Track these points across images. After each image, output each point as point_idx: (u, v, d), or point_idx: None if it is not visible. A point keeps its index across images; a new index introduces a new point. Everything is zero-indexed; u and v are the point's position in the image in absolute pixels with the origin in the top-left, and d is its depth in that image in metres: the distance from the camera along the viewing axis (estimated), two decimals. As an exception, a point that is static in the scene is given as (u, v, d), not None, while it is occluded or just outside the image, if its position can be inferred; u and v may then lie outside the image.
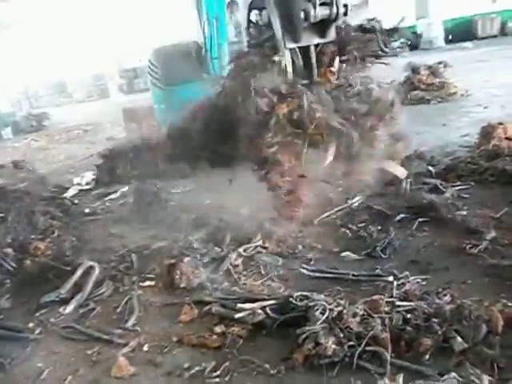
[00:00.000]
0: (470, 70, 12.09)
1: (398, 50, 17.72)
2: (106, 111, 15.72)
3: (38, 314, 3.26)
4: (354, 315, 2.47)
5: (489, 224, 3.46)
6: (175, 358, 2.58)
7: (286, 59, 3.63)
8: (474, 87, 9.39)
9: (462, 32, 21.51)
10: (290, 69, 3.66)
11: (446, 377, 1.85)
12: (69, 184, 6.70)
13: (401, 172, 4.39)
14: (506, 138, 5.01)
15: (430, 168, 4.70)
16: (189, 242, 3.75)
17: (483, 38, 20.73)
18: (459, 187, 4.30)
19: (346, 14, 3.74)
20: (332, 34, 3.79)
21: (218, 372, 2.39)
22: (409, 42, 22.78)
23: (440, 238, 3.46)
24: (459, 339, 2.26)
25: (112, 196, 6.01)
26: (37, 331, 3.08)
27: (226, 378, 2.36)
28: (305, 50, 3.80)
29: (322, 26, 3.73)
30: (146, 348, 2.72)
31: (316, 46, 3.83)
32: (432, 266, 3.07)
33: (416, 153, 5.31)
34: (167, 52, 7.29)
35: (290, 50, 3.68)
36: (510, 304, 2.46)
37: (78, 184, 6.87)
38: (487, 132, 5.13)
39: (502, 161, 4.59)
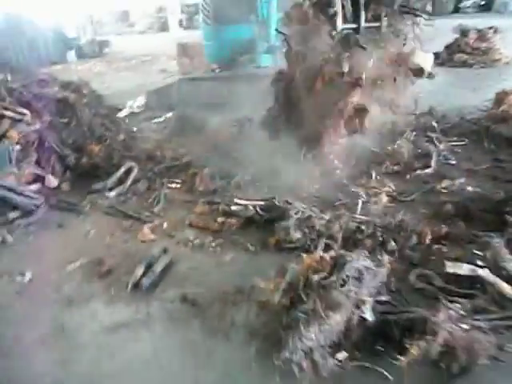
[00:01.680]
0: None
1: (468, 9, 17.10)
2: (164, 44, 16.40)
3: (89, 197, 4.23)
4: (320, 219, 3.24)
5: (462, 173, 4.03)
6: (184, 234, 3.48)
7: (337, 4, 3.81)
8: (522, 56, 9.30)
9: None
10: (340, 13, 3.82)
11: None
12: (122, 106, 7.62)
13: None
14: (517, 106, 5.35)
15: (435, 124, 5.17)
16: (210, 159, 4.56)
17: None
18: (455, 143, 4.79)
19: None
20: None
21: (213, 244, 3.27)
22: (482, 3, 21.66)
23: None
24: (393, 243, 2.98)
25: (157, 119, 6.87)
26: (87, 207, 4.06)
27: (218, 249, 3.23)
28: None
29: None
30: (165, 226, 3.63)
31: None
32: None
33: (431, 109, 5.78)
34: (220, -10, 7.81)
35: None
36: (442, 226, 3.12)
37: (130, 107, 7.80)
38: (500, 98, 5.48)
39: (504, 125, 4.99)
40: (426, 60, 4.36)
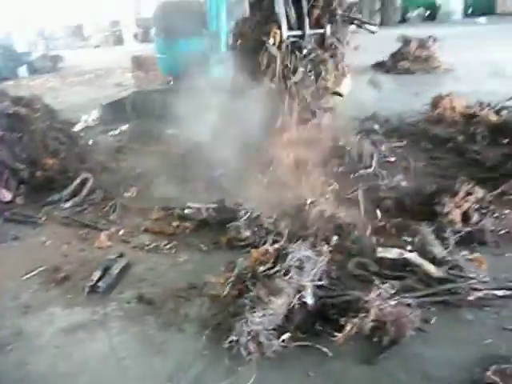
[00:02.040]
0: (469, 45, 12.55)
1: (413, 20, 18.09)
2: (119, 58, 16.38)
3: (44, 209, 4.28)
4: (268, 218, 3.45)
5: (401, 171, 4.37)
6: (140, 239, 3.62)
7: (280, 11, 3.98)
8: (461, 63, 9.93)
9: (482, 6, 21.27)
10: (284, 20, 4.00)
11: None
12: (76, 120, 7.63)
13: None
14: (451, 108, 5.80)
15: (376, 127, 5.53)
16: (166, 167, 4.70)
17: (503, 14, 20.61)
18: (395, 144, 5.15)
19: None
20: None
21: (168, 247, 3.42)
22: (427, 13, 22.82)
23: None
24: (335, 237, 3.23)
25: (112, 132, 6.94)
26: (43, 219, 4.12)
27: (173, 251, 3.39)
28: (297, 3, 4.11)
29: None
30: (121, 233, 3.74)
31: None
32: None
33: (374, 114, 6.16)
34: (172, 6, 8.01)
35: (284, 1, 4.03)
36: (380, 221, 3.40)
37: (85, 121, 7.83)
38: (436, 102, 5.93)
39: (439, 126, 5.42)
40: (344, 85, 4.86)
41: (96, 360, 2.41)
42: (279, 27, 4.01)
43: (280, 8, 3.99)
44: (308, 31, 4.11)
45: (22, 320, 2.79)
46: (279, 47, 4.08)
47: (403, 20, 23.00)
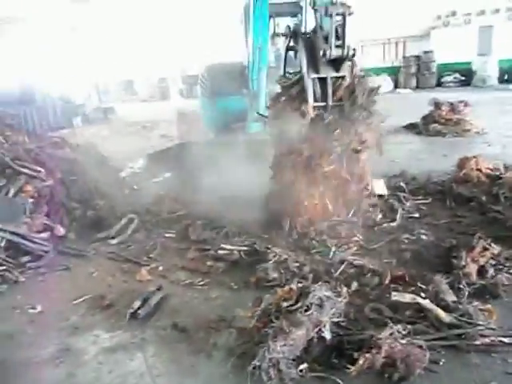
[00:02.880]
0: (500, 111, 12.84)
1: (449, 84, 18.64)
2: (165, 112, 17.54)
3: (93, 244, 4.74)
4: (295, 261, 3.76)
5: (423, 226, 4.61)
6: (177, 275, 3.97)
7: (309, 87, 4.52)
8: (492, 127, 10.20)
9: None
10: (311, 94, 4.51)
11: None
12: (124, 166, 8.31)
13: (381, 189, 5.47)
14: (477, 169, 6.04)
15: (403, 184, 5.82)
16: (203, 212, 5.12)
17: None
18: (421, 201, 5.41)
19: (354, 55, 4.57)
20: (344, 70, 4.62)
21: (201, 283, 3.76)
22: (462, 78, 23.36)
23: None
24: (355, 283, 3.48)
25: (156, 179, 7.51)
26: (92, 253, 4.57)
27: (206, 287, 3.72)
28: (323, 81, 4.61)
29: (336, 63, 4.57)
30: (160, 268, 4.12)
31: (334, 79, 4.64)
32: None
33: (402, 172, 6.47)
34: (216, 68, 8.81)
35: (312, 79, 4.56)
36: (399, 271, 3.63)
37: (131, 168, 8.51)
38: (463, 163, 6.17)
39: (464, 186, 5.65)
40: (380, 186, 5.34)
41: (133, 376, 2.72)
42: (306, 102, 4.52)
43: (308, 85, 4.52)
44: (331, 103, 4.58)
45: (71, 339, 3.15)
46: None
47: (439, 84, 23.59)
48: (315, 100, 4.58)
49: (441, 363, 2.59)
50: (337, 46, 4.43)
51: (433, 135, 10.04)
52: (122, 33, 28.77)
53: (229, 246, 4.08)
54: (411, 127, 10.89)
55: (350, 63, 4.65)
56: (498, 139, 9.22)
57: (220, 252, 4.07)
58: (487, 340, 2.67)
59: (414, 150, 8.87)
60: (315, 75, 4.54)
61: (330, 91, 4.55)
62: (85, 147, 6.87)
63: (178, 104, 20.97)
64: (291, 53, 5.04)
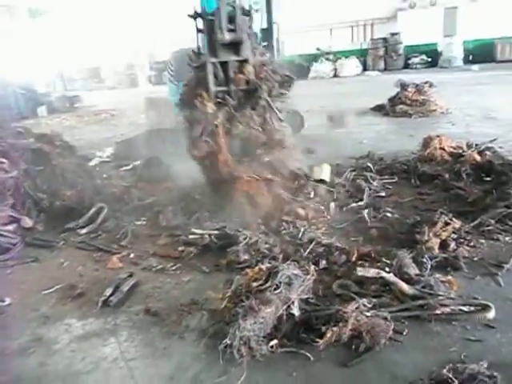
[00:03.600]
0: (464, 91, 13.20)
1: (416, 65, 19.03)
2: (133, 99, 17.23)
3: (62, 235, 4.68)
4: (265, 243, 3.82)
5: (389, 205, 4.74)
6: (149, 262, 3.98)
7: (209, 72, 4.46)
8: (455, 107, 10.48)
9: (482, 54, 22.23)
10: (211, 79, 4.47)
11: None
12: (92, 156, 8.18)
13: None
14: (441, 148, 6.22)
15: (370, 165, 5.95)
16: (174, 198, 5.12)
17: (501, 62, 21.47)
18: (386, 180, 5.54)
19: (249, 37, 4.52)
20: (244, 54, 4.47)
21: (173, 268, 3.78)
22: (429, 59, 23.80)
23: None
24: (324, 261, 3.57)
25: (126, 167, 7.43)
26: (61, 243, 4.52)
27: (178, 272, 3.75)
28: (224, 66, 4.52)
29: (237, 47, 4.46)
30: (131, 256, 4.12)
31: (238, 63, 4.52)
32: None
33: (369, 153, 6.61)
34: (182, 54, 8.69)
35: (213, 64, 4.45)
36: (366, 248, 3.74)
37: (100, 157, 8.39)
38: (427, 142, 6.35)
39: (430, 165, 5.82)
40: (321, 172, 5.39)
41: (107, 361, 2.74)
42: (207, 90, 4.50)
43: (209, 70, 4.47)
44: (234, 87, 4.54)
45: (42, 329, 3.13)
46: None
47: (406, 66, 23.98)
48: (219, 85, 4.55)
49: (404, 333, 2.71)
50: (230, 30, 4.40)
51: (399, 116, 10.25)
52: (88, 18, 27.98)
53: (199, 231, 4.10)
54: (379, 109, 11.08)
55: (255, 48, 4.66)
56: (461, 118, 9.50)
57: (191, 237, 4.09)
58: (447, 309, 2.81)
59: (381, 131, 9.04)
60: (214, 59, 4.47)
61: (231, 76, 4.51)
62: (50, 137, 6.70)
63: (146, 91, 20.65)
64: None
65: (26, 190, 5.23)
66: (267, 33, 8.18)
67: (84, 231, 4.69)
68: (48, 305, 3.43)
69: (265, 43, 7.98)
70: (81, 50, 28.98)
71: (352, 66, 24.24)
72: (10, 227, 4.70)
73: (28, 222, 4.89)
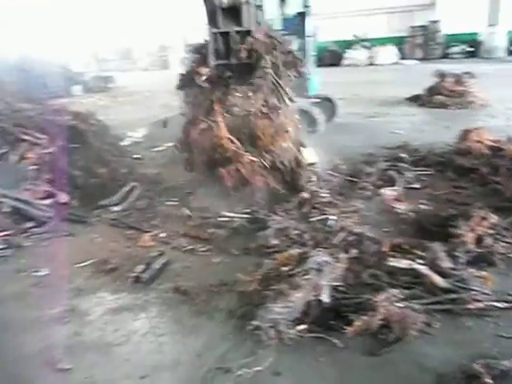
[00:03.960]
0: (506, 83, 12.70)
1: (455, 55, 18.43)
2: (165, 81, 17.32)
3: (95, 212, 4.79)
4: (295, 229, 3.82)
5: (423, 197, 4.65)
6: (179, 242, 4.03)
7: (209, 43, 4.29)
8: (497, 100, 10.09)
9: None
10: (211, 51, 4.26)
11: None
12: (125, 136, 8.30)
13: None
14: (479, 141, 6.03)
15: (404, 155, 5.82)
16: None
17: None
18: (421, 172, 5.43)
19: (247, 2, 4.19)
20: (245, 24, 4.21)
21: (203, 249, 3.83)
22: (469, 49, 22.96)
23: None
24: (354, 250, 3.54)
25: (157, 148, 7.52)
26: (94, 220, 4.63)
27: (207, 253, 3.79)
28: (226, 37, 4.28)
29: (236, 16, 4.20)
30: (162, 235, 4.18)
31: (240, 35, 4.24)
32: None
33: (404, 144, 6.48)
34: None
35: (214, 34, 4.24)
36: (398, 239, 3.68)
37: (132, 137, 8.51)
38: (465, 134, 6.16)
39: (467, 159, 5.65)
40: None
41: (137, 335, 2.81)
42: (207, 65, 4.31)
43: (210, 41, 4.28)
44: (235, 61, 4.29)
45: (76, 300, 3.24)
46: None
47: (445, 55, 23.22)
48: (219, 58, 4.32)
49: (435, 326, 2.67)
50: None
51: (436, 107, 9.97)
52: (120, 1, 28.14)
53: (230, 214, 4.13)
54: (414, 99, 10.80)
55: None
56: (502, 112, 9.17)
57: (221, 219, 4.11)
58: (481, 304, 2.75)
59: (416, 121, 8.83)
60: (215, 30, 4.23)
61: (233, 48, 4.25)
62: (86, 115, 6.83)
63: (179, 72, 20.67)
64: None
65: (62, 167, 5.36)
66: (301, 17, 8.05)
67: (116, 209, 4.79)
68: (82, 278, 3.54)
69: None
70: (115, 30, 29.23)
71: (388, 53, 23.62)
72: (47, 202, 4.84)
73: (63, 198, 5.02)
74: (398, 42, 24.54)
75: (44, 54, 17.34)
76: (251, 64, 4.29)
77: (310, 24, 8.01)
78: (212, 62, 4.30)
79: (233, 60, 4.29)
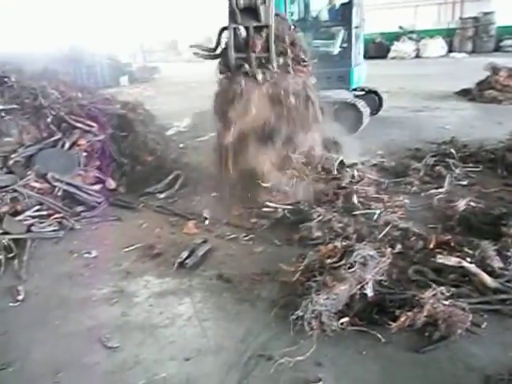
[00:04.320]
0: None
1: (508, 48, 17.61)
2: (210, 72, 17.49)
3: (142, 198, 4.94)
4: (339, 222, 3.79)
5: (472, 194, 4.50)
6: (222, 230, 4.11)
7: (230, 38, 4.46)
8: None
9: None
10: (230, 46, 4.46)
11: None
12: (170, 125, 8.47)
13: None
14: (533, 139, 5.75)
15: (453, 151, 5.63)
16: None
17: None
18: (470, 169, 5.24)
19: (264, 2, 4.34)
20: (263, 20, 4.34)
21: (246, 238, 3.87)
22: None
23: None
24: (399, 245, 3.48)
25: (201, 138, 7.62)
26: (140, 206, 4.77)
27: (250, 242, 3.83)
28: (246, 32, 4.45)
29: (253, 13, 4.36)
30: (206, 223, 4.26)
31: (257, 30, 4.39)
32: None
33: (452, 139, 6.27)
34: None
35: (234, 29, 4.44)
36: (445, 236, 3.58)
37: (177, 126, 8.67)
38: (517, 131, 5.89)
39: (518, 155, 5.41)
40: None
41: (182, 319, 2.89)
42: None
43: (230, 36, 4.47)
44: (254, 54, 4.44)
45: (124, 282, 3.36)
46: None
47: (497, 49, 22.18)
48: (239, 51, 4.49)
49: (483, 326, 2.60)
50: None
51: (488, 102, 9.56)
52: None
53: (273, 204, 4.15)
54: (464, 93, 10.41)
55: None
56: (559, 108, 8.71)
57: (264, 209, 4.14)
58: (533, 307, 2.65)
59: (466, 116, 8.52)
60: (234, 25, 4.43)
61: (251, 42, 4.41)
62: (134, 105, 7.02)
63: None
64: None
65: (111, 154, 5.55)
66: (347, 8, 7.88)
67: (162, 196, 4.91)
68: (129, 261, 3.67)
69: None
70: (160, 22, 29.72)
71: (436, 46, 22.81)
72: (96, 187, 5.03)
73: (112, 184, 5.21)
74: (448, 34, 23.64)
75: (94, 46, 17.87)
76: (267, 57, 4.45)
77: (356, 14, 7.84)
78: (232, 55, 4.50)
79: (250, 52, 4.45)
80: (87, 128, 5.47)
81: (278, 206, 4.13)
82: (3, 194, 4.35)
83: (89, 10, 24.73)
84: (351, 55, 7.73)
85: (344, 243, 3.10)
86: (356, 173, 4.80)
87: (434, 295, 2.64)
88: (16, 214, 4.25)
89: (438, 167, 5.17)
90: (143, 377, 2.42)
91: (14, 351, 2.68)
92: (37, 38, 19.48)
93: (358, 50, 8.07)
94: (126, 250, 3.85)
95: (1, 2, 21.17)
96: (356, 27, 7.79)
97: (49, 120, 5.33)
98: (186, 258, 3.53)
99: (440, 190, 4.63)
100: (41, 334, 2.83)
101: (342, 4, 7.95)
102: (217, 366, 2.48)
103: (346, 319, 2.65)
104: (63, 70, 8.26)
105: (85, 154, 5.29)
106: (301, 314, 2.60)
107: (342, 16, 7.98)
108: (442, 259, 2.95)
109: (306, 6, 8.13)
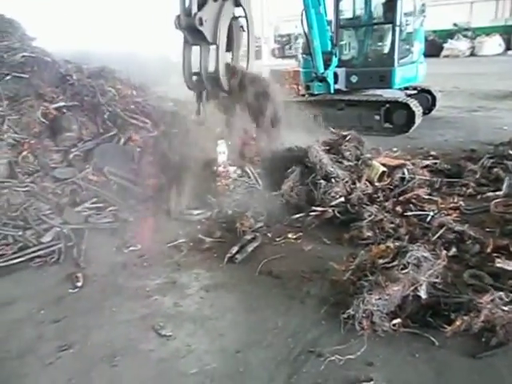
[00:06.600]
0: None
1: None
2: (258, 71, 17.56)
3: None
4: (391, 222, 3.72)
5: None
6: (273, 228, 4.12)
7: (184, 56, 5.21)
8: None
9: None
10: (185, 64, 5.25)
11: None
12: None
13: None
14: None
15: (511, 152, 5.38)
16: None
17: None
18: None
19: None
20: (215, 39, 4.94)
21: (295, 237, 3.87)
22: None
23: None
24: (454, 248, 3.38)
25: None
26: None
27: (299, 241, 3.83)
28: None
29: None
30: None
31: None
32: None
33: (510, 140, 5.98)
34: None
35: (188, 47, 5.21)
36: (503, 240, 3.44)
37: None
38: None
39: None
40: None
41: (232, 312, 2.94)
42: None
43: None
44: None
45: (176, 274, 3.46)
46: None
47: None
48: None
49: (544, 335, 2.48)
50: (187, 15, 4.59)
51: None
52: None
53: (319, 208, 4.13)
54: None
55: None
56: None
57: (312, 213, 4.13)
58: None
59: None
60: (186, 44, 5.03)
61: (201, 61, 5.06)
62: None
63: (270, 63, 20.91)
64: None
65: (163, 150, 5.70)
66: (390, 5, 7.67)
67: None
68: (180, 254, 3.76)
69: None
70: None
71: (493, 44, 21.88)
72: (150, 181, 5.17)
73: (163, 179, 5.33)
74: (505, 31, 22.59)
75: (147, 46, 18.39)
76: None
77: (400, 11, 7.60)
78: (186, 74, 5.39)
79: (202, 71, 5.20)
80: (141, 124, 5.66)
81: (326, 208, 4.10)
82: (64, 186, 4.58)
83: (142, 10, 25.44)
84: (394, 54, 7.54)
85: (397, 244, 3.04)
86: (407, 173, 4.70)
87: (492, 300, 2.55)
88: (75, 205, 4.46)
89: (495, 169, 4.96)
90: (195, 366, 2.48)
91: (73, 335, 2.82)
92: (95, 37, 20.27)
93: (403, 48, 7.82)
94: (177, 243, 3.94)
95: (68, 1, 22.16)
96: (399, 25, 7.54)
97: (105, 116, 5.56)
98: (236, 253, 3.58)
99: (498, 193, 4.45)
100: (98, 319, 2.96)
101: (387, 1, 7.77)
102: (266, 360, 2.50)
103: (398, 320, 2.61)
104: (119, 68, 8.60)
105: (138, 149, 5.47)
106: (352, 312, 2.58)
107: (385, 13, 7.81)
108: (502, 264, 2.84)
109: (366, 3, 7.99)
